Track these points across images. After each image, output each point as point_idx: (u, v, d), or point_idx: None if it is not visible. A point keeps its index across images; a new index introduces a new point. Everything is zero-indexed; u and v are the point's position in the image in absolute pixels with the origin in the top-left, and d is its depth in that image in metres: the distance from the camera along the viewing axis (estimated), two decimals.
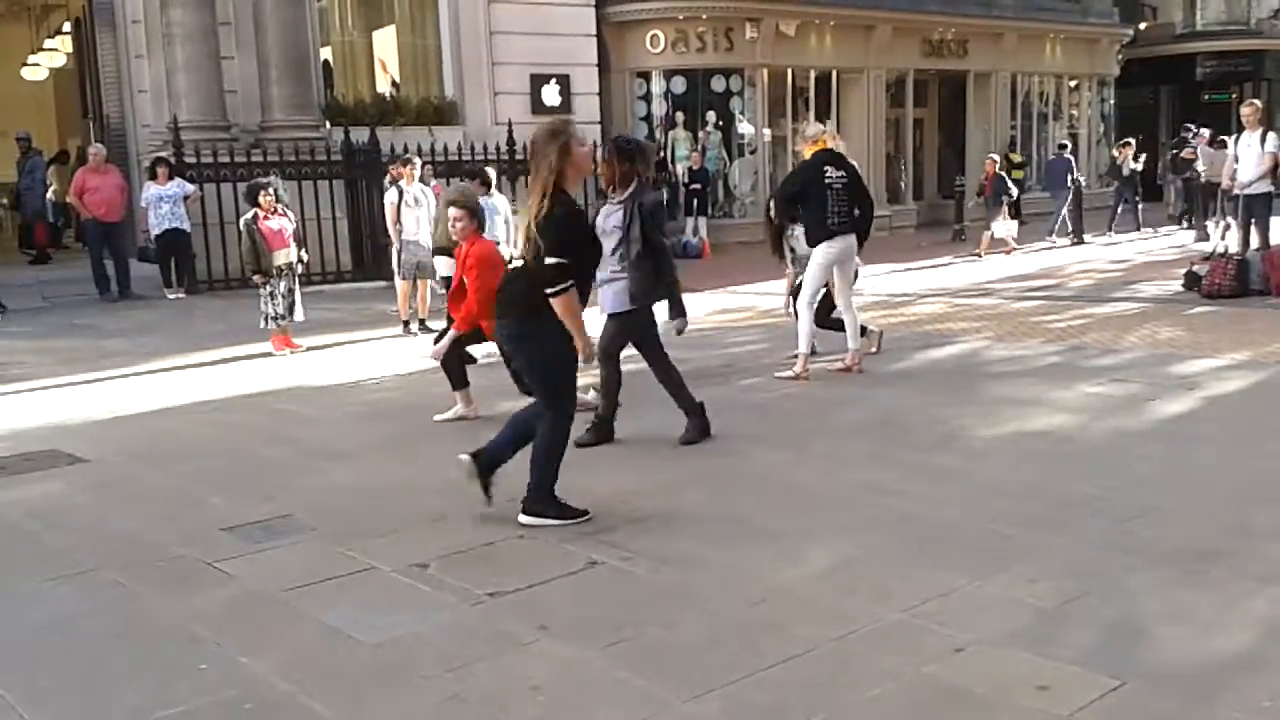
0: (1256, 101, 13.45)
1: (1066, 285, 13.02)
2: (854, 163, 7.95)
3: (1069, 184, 18.40)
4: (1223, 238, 12.21)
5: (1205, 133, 18.68)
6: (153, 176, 13.74)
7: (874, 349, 8.40)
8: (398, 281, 10.71)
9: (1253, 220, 12.02)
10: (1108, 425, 6.10)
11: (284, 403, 7.64)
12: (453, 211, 6.71)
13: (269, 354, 9.41)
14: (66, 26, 20.79)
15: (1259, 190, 11.96)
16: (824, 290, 7.87)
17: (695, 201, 18.71)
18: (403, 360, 9.12)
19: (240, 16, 15.42)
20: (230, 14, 15.34)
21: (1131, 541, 4.23)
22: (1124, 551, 4.13)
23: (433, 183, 11.78)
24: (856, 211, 7.59)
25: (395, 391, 7.99)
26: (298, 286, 9.62)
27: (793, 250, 8.40)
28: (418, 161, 11.05)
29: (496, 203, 9.93)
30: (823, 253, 7.59)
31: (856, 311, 8.00)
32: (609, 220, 5.87)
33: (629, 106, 19.69)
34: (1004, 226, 16.78)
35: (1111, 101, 27.08)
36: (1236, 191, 12.03)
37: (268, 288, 9.31)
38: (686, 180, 19.02)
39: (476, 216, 6.72)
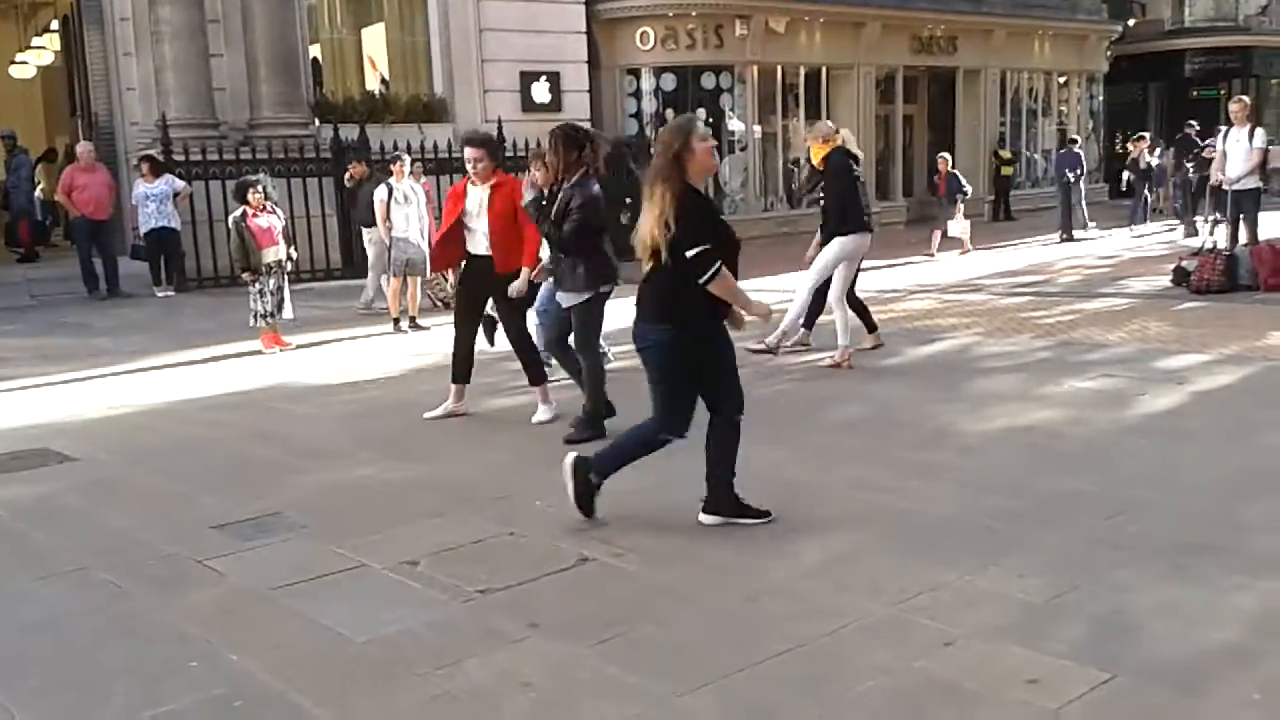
0: (1245, 98, 13.54)
1: (1055, 281, 13.05)
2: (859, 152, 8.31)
3: (1070, 178, 18.36)
4: (1212, 233, 12.26)
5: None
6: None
7: (868, 345, 8.49)
8: (382, 280, 10.66)
9: (1241, 215, 12.08)
10: (1097, 420, 6.13)
11: (274, 401, 7.62)
12: (470, 151, 6.37)
13: (259, 352, 9.38)
14: (54, 24, 20.62)
15: (1247, 186, 12.03)
16: (820, 283, 8.13)
17: None
18: (393, 358, 9.11)
19: (229, 14, 15.36)
20: (219, 11, 15.28)
21: (1121, 536, 4.25)
22: (1113, 546, 4.14)
23: (423, 180, 11.77)
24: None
25: (385, 389, 7.97)
26: (287, 284, 9.58)
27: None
28: (407, 159, 11.02)
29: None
30: (854, 242, 7.93)
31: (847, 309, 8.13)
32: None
33: (619, 103, 19.67)
34: (958, 225, 16.73)
35: (1100, 98, 27.13)
36: (1225, 187, 12.09)
37: (257, 285, 9.27)
38: None
39: (495, 156, 6.47)
